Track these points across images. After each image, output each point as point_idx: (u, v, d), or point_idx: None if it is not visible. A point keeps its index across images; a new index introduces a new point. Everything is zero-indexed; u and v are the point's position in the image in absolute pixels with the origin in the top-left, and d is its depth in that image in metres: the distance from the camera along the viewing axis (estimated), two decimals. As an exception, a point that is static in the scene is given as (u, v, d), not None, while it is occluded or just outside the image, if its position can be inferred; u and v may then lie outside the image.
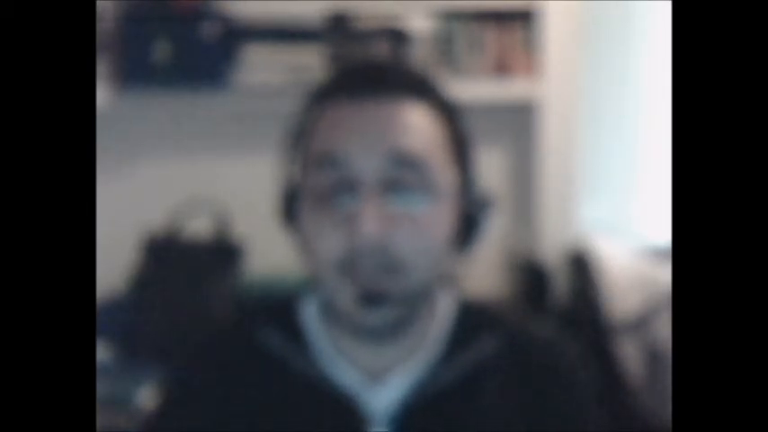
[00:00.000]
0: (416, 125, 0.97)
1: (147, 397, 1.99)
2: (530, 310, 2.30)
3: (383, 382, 1.01)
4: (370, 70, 1.00)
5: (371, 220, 0.93)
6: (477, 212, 1.02)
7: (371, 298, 0.95)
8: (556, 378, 1.05)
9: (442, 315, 1.05)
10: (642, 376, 2.18)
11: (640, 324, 2.20)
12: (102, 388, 1.99)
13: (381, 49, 2.35)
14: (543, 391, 1.04)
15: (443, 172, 0.98)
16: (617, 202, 2.59)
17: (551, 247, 2.43)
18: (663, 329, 2.18)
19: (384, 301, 0.95)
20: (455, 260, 1.02)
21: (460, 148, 1.01)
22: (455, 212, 0.99)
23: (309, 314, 1.05)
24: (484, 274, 2.45)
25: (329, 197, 0.96)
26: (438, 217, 0.97)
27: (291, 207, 1.02)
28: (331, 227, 0.95)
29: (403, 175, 0.95)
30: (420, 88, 0.99)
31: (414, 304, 0.98)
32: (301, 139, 1.01)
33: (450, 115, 1.00)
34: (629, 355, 2.19)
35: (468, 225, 1.01)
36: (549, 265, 2.40)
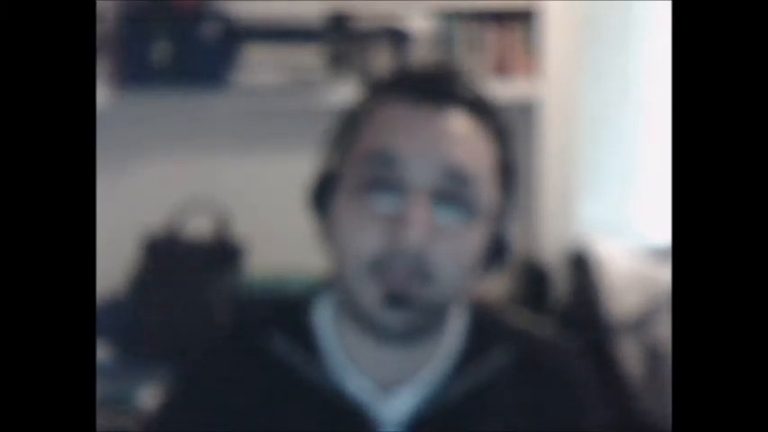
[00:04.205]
0: (473, 141, 0.97)
1: (147, 397, 1.99)
2: (530, 310, 2.30)
3: (394, 392, 1.00)
4: (433, 75, 1.00)
5: (418, 225, 0.93)
6: (507, 238, 1.02)
7: (397, 299, 0.94)
8: (567, 387, 1.05)
9: (455, 326, 1.04)
10: (642, 376, 2.18)
11: (640, 324, 2.20)
12: (102, 388, 1.99)
13: (381, 49, 2.35)
14: (554, 401, 1.04)
15: (487, 192, 0.98)
16: (617, 202, 2.59)
17: (551, 247, 2.43)
18: (663, 329, 2.18)
19: (409, 305, 0.94)
20: (478, 279, 1.01)
21: (507, 170, 1.01)
22: (489, 234, 0.99)
23: (322, 318, 1.04)
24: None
25: (372, 193, 0.95)
26: (475, 235, 0.97)
27: (325, 196, 1.00)
28: (370, 222, 0.94)
29: (453, 188, 0.95)
30: (479, 104, 0.99)
31: (434, 314, 0.98)
32: (350, 131, 1.00)
33: (503, 137, 1.01)
34: (629, 355, 2.19)
35: (496, 248, 1.01)
36: (549, 265, 2.39)
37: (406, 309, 0.95)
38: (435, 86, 0.98)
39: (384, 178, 0.95)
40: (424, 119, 0.97)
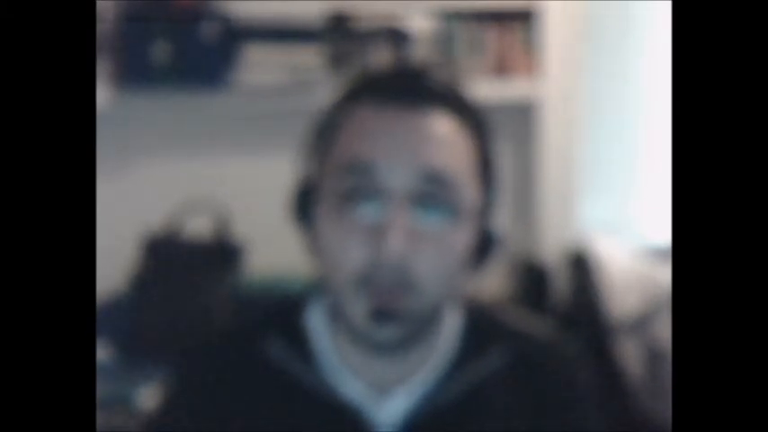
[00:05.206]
0: (449, 141, 0.95)
1: (147, 397, 1.99)
2: (530, 310, 2.30)
3: (389, 394, 1.00)
4: (404, 76, 0.98)
5: (399, 234, 0.91)
6: (494, 232, 1.01)
7: (385, 314, 0.93)
8: (566, 387, 1.05)
9: (449, 328, 1.03)
10: (642, 376, 2.18)
11: (640, 324, 2.20)
12: (102, 388, 1.98)
13: (381, 49, 2.35)
14: (554, 401, 1.04)
15: (469, 191, 0.96)
16: (617, 202, 2.59)
17: (551, 247, 2.43)
18: (663, 329, 2.18)
19: (397, 319, 0.94)
20: (468, 278, 1.00)
21: (486, 166, 0.99)
22: (474, 231, 0.98)
23: (316, 320, 1.03)
24: (483, 273, 2.45)
25: (351, 203, 0.93)
26: (458, 236, 0.96)
27: (306, 206, 0.99)
28: (352, 235, 0.93)
29: (431, 191, 0.93)
30: (454, 101, 0.97)
31: (425, 321, 0.97)
32: (326, 139, 0.98)
33: (480, 132, 0.99)
34: (629, 355, 2.19)
35: (483, 244, 1.00)
36: (549, 265, 2.39)
37: (394, 322, 0.94)
38: (406, 87, 0.96)
39: (362, 187, 0.93)
40: (397, 121, 0.95)
